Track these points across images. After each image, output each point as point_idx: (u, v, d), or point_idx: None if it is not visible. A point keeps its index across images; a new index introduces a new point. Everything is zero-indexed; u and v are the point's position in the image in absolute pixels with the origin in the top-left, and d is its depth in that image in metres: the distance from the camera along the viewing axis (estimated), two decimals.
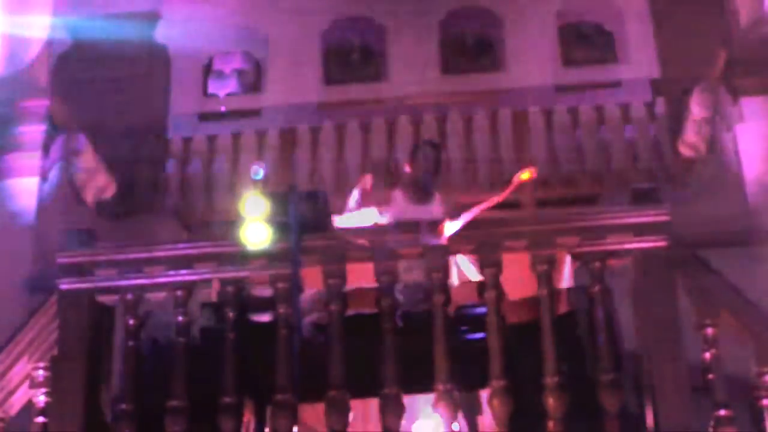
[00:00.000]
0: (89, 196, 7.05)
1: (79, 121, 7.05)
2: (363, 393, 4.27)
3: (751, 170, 6.15)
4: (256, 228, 4.10)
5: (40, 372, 4.39)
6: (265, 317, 4.61)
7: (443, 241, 5.06)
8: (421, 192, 5.40)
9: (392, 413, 4.07)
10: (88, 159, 6.99)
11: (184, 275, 4.36)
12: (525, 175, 5.19)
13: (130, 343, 4.33)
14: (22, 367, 4.46)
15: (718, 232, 5.63)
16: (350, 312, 4.35)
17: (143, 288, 4.38)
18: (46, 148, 6.89)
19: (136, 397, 4.22)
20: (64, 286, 4.37)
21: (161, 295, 4.41)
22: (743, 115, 6.27)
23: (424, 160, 5.43)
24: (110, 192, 7.25)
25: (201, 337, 4.71)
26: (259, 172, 5.41)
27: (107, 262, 4.42)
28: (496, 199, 5.07)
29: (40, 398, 4.34)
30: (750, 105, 6.27)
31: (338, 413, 4.07)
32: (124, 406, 4.19)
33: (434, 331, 4.17)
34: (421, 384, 4.20)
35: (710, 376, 3.99)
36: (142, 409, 4.20)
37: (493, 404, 4.07)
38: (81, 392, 4.21)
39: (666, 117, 7.32)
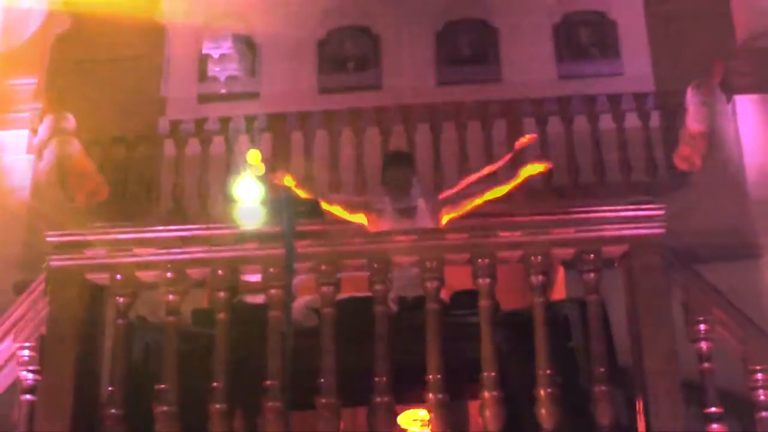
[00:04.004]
0: (80, 197, 6.78)
1: (73, 101, 6.98)
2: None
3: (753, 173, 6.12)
4: (250, 209, 4.09)
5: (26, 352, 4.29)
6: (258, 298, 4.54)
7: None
8: (402, 209, 5.26)
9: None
10: (75, 144, 6.75)
11: (175, 254, 4.27)
12: (525, 139, 5.40)
13: (120, 321, 4.25)
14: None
15: (716, 245, 5.62)
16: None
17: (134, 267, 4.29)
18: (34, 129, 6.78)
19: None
20: (54, 263, 4.29)
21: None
22: (737, 113, 6.27)
23: (392, 181, 5.28)
24: (104, 194, 6.97)
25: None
26: (256, 154, 5.41)
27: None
28: (493, 167, 5.37)
29: (28, 376, 4.24)
30: (743, 103, 6.27)
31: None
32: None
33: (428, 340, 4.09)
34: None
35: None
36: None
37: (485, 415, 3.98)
38: (71, 371, 4.15)
39: (662, 130, 7.32)
